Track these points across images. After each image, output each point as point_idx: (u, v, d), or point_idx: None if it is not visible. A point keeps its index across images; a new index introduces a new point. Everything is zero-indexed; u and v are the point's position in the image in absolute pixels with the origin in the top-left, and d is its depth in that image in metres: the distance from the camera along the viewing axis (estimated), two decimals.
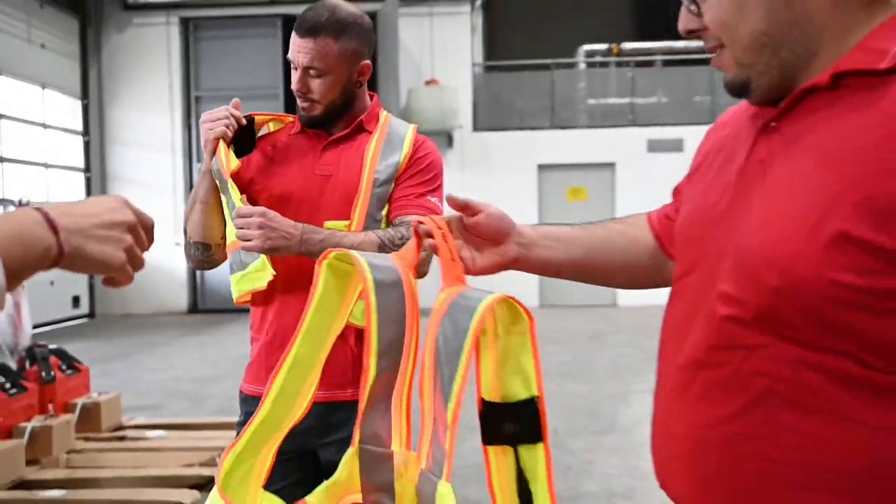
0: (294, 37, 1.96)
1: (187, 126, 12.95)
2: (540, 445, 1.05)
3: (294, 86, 1.97)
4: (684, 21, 1.06)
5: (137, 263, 0.92)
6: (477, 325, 1.00)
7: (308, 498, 1.14)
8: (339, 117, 2.04)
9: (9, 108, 10.65)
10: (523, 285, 12.01)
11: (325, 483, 1.14)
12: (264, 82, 12.61)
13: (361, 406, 1.09)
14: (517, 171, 12.94)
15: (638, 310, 11.73)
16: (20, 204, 9.08)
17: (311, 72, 1.96)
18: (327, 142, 2.04)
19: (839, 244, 0.88)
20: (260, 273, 1.88)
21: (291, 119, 2.10)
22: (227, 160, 1.95)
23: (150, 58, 12.77)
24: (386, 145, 2.04)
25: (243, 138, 2.02)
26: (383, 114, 2.11)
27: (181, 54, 12.93)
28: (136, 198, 0.97)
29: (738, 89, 1.05)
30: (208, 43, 13.16)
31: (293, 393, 1.16)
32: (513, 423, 1.04)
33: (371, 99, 2.10)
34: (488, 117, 12.98)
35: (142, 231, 0.93)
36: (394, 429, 1.12)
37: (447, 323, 1.04)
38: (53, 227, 0.85)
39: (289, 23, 12.15)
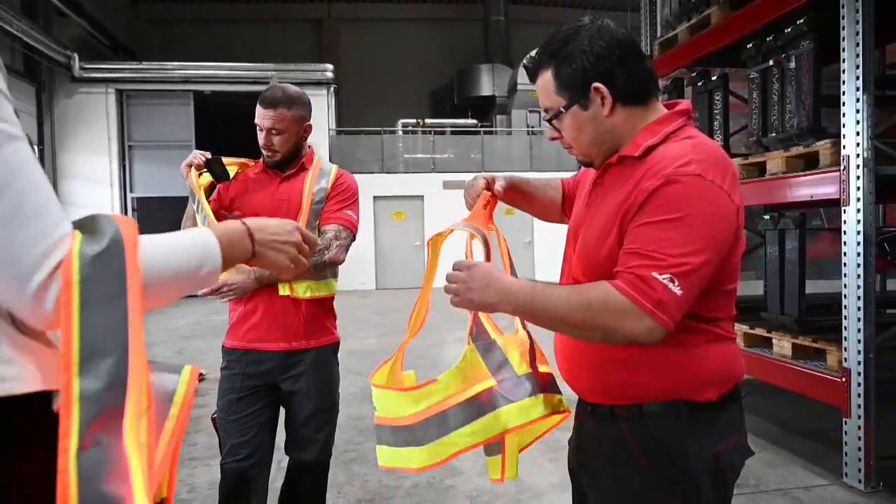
0: (259, 108, 2.03)
1: (122, 166, 12.79)
2: None
3: (261, 142, 2.07)
4: (550, 133, 1.28)
5: (300, 266, 0.99)
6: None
7: (439, 377, 1.24)
8: (290, 161, 2.13)
9: None
10: (363, 274, 13.65)
11: (450, 370, 1.24)
12: (180, 137, 12.65)
13: (470, 324, 1.29)
14: (359, 201, 13.77)
15: (440, 290, 14.29)
16: None
17: (273, 132, 2.04)
18: (282, 178, 2.12)
19: (612, 241, 1.15)
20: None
21: (253, 163, 2.20)
22: (196, 180, 2.00)
23: (92, 116, 12.55)
24: (318, 178, 2.13)
25: (217, 170, 2.07)
26: (315, 157, 2.18)
27: (117, 114, 12.74)
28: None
29: (586, 165, 1.30)
30: (137, 107, 12.99)
31: (417, 318, 1.34)
32: None
33: (308, 148, 2.16)
34: (340, 165, 10.65)
35: (305, 245, 0.99)
36: (488, 327, 1.30)
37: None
38: (251, 238, 0.92)
39: (198, 96, 13.20)
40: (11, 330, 0.72)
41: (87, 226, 0.72)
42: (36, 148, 11.67)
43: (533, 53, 1.27)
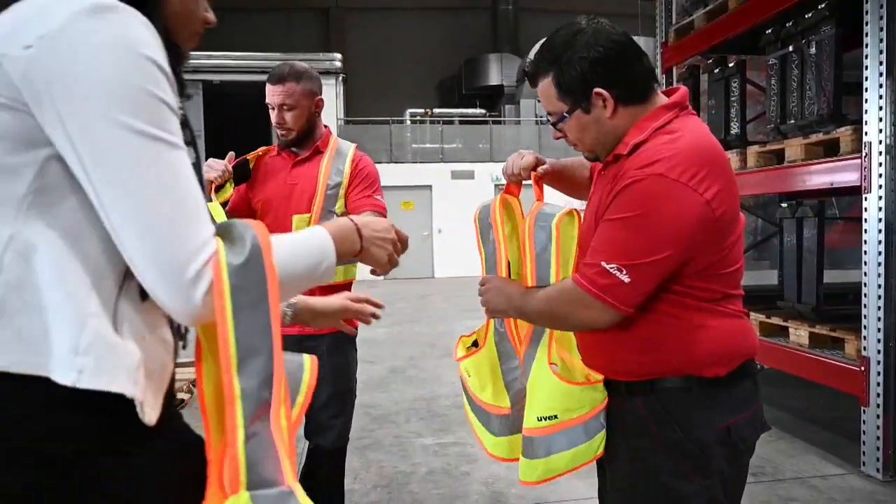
0: (268, 86, 2.03)
1: None
2: None
3: (274, 122, 2.05)
4: (554, 133, 1.34)
5: (394, 262, 1.04)
6: (556, 225, 1.28)
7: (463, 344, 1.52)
8: (306, 140, 2.09)
9: None
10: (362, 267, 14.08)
11: (465, 342, 1.49)
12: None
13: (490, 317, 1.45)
14: None
15: (448, 279, 13.11)
16: None
17: (284, 107, 2.03)
18: (294, 161, 2.11)
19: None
20: None
21: (272, 147, 2.17)
22: (213, 196, 1.91)
23: None
24: (334, 160, 2.10)
25: (240, 173, 2.04)
26: (332, 138, 2.14)
27: None
28: None
29: (592, 160, 1.39)
30: None
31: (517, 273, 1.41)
32: None
33: (325, 128, 2.14)
34: None
35: (398, 243, 1.05)
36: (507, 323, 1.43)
37: (538, 228, 1.31)
38: (360, 234, 0.98)
39: (206, 86, 13.23)
40: (112, 333, 0.76)
41: (226, 233, 0.79)
42: None
43: (531, 57, 1.30)
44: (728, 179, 1.21)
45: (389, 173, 13.84)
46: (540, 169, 1.47)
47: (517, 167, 1.48)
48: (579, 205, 1.44)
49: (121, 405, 0.75)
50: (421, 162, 14.84)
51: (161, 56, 0.75)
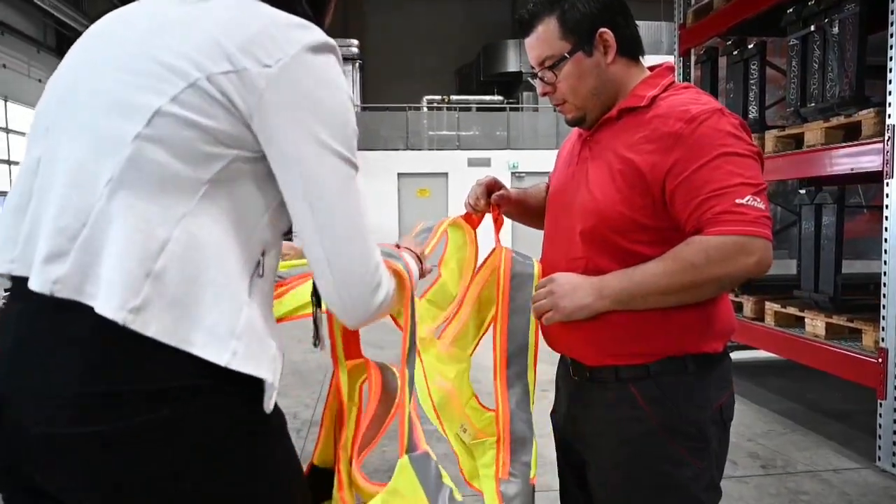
0: None
1: None
2: None
3: None
4: (541, 88, 1.26)
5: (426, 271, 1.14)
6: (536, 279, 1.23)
7: None
8: None
9: (16, 125, 10.88)
10: None
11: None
12: None
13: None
14: (383, 178, 13.95)
15: None
16: None
17: None
18: None
19: (623, 185, 1.15)
20: None
21: None
22: None
23: None
24: None
25: None
26: None
27: None
28: None
29: (576, 122, 1.27)
30: None
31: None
32: None
33: None
34: (364, 141, 13.18)
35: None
36: (432, 418, 1.22)
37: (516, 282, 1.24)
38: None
39: None
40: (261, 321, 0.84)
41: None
42: None
43: (531, 5, 1.26)
44: None
45: (405, 160, 14.41)
46: (495, 196, 1.39)
47: (475, 195, 1.41)
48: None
49: (247, 388, 0.81)
50: (437, 149, 14.85)
51: None
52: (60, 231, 0.77)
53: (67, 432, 0.74)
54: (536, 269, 1.28)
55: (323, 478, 1.06)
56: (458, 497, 0.96)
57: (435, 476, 0.94)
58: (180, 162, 0.78)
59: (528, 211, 1.46)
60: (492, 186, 1.41)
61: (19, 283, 0.81)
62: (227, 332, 0.78)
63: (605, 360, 1.23)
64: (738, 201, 1.08)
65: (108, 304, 0.73)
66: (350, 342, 1.13)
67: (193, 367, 0.76)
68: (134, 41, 0.83)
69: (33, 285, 0.77)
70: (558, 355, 1.34)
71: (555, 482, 1.42)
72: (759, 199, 1.10)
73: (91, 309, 0.74)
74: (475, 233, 1.40)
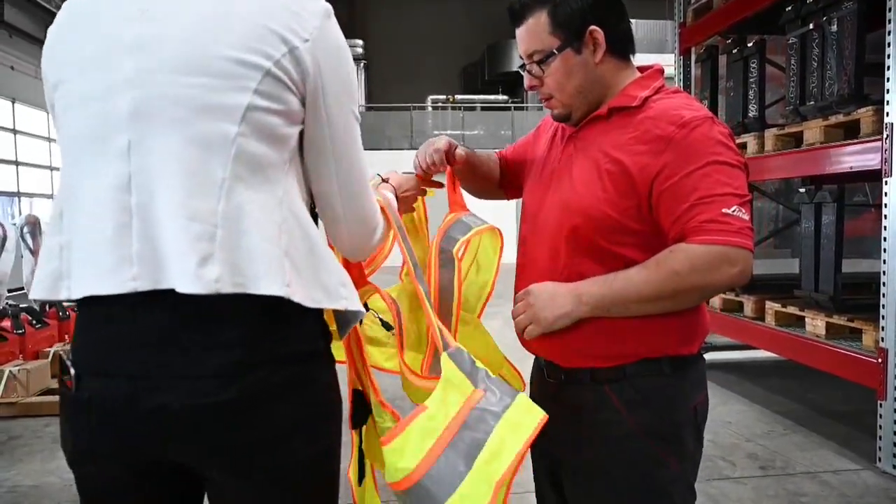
0: None
1: None
2: None
3: None
4: (528, 81, 1.25)
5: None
6: (470, 236, 1.21)
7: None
8: None
9: (23, 126, 11.06)
10: (392, 251, 14.01)
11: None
12: None
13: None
14: None
15: None
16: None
17: None
18: None
19: (608, 184, 1.14)
20: None
21: None
22: None
23: None
24: None
25: None
26: None
27: None
28: None
29: (562, 119, 1.26)
30: None
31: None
32: None
33: None
34: (369, 141, 12.88)
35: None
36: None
37: (447, 236, 1.23)
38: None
39: None
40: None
41: None
42: None
43: None
44: None
45: (410, 160, 13.88)
46: (458, 151, 1.34)
47: (429, 156, 1.35)
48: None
49: (324, 326, 0.97)
50: None
51: None
52: (198, 237, 0.83)
53: (207, 402, 0.83)
54: (473, 231, 1.29)
55: (362, 400, 1.22)
56: (493, 374, 1.07)
57: (470, 363, 1.04)
58: (271, 148, 0.87)
59: (475, 171, 1.44)
60: (449, 152, 1.36)
61: (127, 297, 0.85)
62: (338, 282, 0.93)
63: (580, 362, 1.21)
64: (724, 211, 1.08)
65: (271, 285, 0.84)
66: (353, 273, 1.17)
67: (315, 325, 0.93)
68: (180, 39, 0.84)
69: (190, 289, 0.82)
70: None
71: (530, 483, 1.40)
72: (744, 210, 1.09)
73: (234, 296, 0.83)
74: (423, 200, 1.44)
